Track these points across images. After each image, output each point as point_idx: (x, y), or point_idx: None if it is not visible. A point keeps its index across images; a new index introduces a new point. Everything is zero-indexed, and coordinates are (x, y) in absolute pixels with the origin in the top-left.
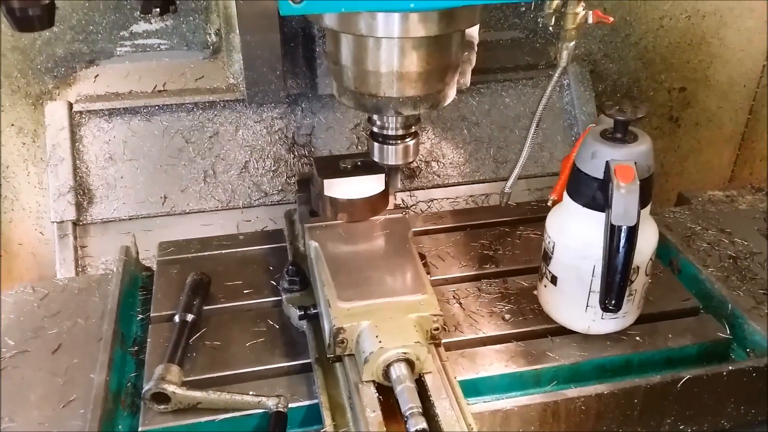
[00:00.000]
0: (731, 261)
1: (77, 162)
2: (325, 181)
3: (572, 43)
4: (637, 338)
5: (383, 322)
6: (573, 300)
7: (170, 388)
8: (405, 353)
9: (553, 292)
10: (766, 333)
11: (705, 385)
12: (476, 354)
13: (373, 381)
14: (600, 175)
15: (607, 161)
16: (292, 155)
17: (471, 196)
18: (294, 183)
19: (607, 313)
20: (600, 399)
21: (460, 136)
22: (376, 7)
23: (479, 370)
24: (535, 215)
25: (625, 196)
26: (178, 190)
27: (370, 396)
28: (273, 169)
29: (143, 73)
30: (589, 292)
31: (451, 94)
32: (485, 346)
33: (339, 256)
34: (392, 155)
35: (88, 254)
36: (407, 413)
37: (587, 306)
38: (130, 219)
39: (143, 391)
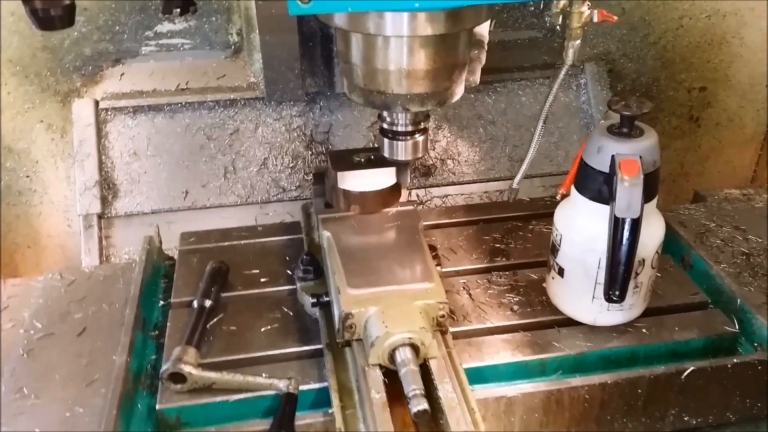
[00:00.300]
0: (744, 258)
1: (103, 157)
2: (339, 173)
3: (578, 41)
4: (644, 330)
5: (390, 308)
6: (580, 292)
7: (187, 369)
8: (410, 338)
9: (560, 283)
10: None
11: (710, 378)
12: (483, 343)
13: (380, 365)
14: (606, 169)
15: (612, 155)
16: (310, 152)
17: (486, 192)
18: (311, 178)
19: (613, 305)
20: (604, 389)
21: (476, 135)
22: (382, 6)
23: (485, 358)
24: (547, 210)
25: (628, 190)
26: (199, 185)
27: (375, 378)
28: (291, 165)
29: (167, 72)
30: (595, 284)
31: (459, 92)
32: (492, 335)
33: (350, 245)
34: (402, 151)
35: (112, 244)
36: (410, 395)
37: (593, 298)
38: (153, 213)
39: (161, 370)
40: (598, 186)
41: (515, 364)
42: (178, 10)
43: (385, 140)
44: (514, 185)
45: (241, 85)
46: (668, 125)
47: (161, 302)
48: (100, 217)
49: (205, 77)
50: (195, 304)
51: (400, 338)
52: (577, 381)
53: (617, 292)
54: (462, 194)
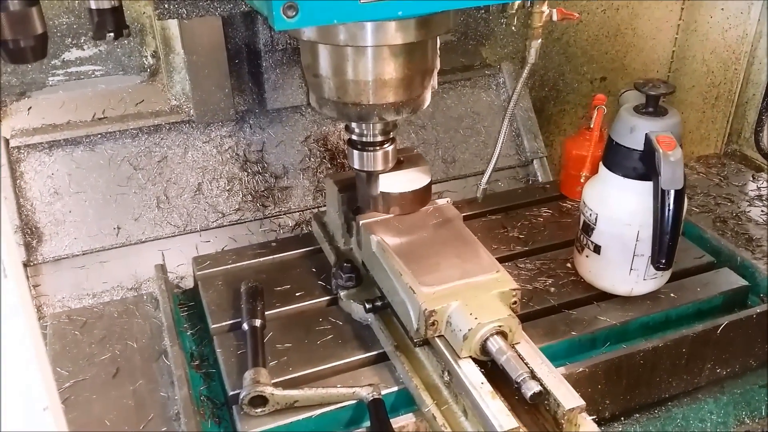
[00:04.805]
0: (721, 222)
1: (21, 200)
2: (381, 176)
3: (539, 40)
4: (672, 295)
5: (471, 300)
6: (617, 265)
7: (268, 390)
8: (500, 326)
9: (596, 260)
10: None
11: (738, 329)
12: (535, 326)
13: (470, 356)
14: (640, 147)
15: (646, 134)
16: (246, 173)
17: None
18: (257, 196)
19: (654, 273)
20: (655, 352)
21: (408, 140)
22: (369, 17)
23: (542, 339)
24: (544, 196)
25: (673, 164)
26: (131, 219)
27: (473, 370)
28: (228, 188)
29: (79, 102)
30: (633, 256)
31: (428, 97)
32: (540, 318)
33: (405, 246)
34: (372, 161)
35: (43, 293)
36: (519, 379)
37: (631, 269)
38: (83, 254)
39: (241, 396)
40: (632, 164)
41: (569, 342)
42: (112, 34)
43: (355, 152)
44: (483, 185)
45: (164, 109)
46: (575, 115)
47: (189, 331)
48: (25, 265)
49: (122, 104)
50: (245, 325)
51: (491, 327)
52: (632, 348)
53: (663, 260)
54: None
